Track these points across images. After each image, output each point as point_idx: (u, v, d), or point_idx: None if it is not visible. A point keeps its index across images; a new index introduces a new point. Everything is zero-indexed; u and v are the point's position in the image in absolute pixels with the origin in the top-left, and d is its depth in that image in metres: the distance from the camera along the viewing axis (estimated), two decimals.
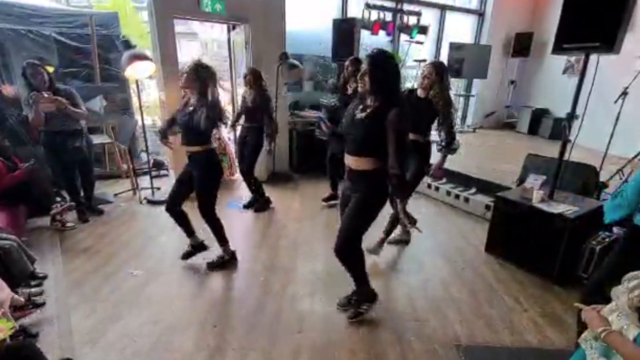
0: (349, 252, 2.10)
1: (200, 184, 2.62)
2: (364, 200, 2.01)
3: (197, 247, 2.87)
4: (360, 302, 2.26)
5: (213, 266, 2.80)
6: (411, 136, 2.77)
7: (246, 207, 4.02)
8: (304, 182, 4.92)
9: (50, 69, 3.39)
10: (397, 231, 3.17)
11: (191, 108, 2.47)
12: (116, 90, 4.58)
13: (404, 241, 3.23)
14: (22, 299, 2.07)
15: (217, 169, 2.69)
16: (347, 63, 3.55)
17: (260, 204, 3.98)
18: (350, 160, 2.01)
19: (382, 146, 1.85)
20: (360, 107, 1.96)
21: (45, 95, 3.04)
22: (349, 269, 2.20)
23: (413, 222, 2.03)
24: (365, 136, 1.91)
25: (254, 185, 3.96)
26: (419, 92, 2.74)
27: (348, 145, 2.01)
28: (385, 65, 1.88)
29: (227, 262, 2.84)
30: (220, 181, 2.72)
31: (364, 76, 1.89)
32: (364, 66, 1.90)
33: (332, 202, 4.03)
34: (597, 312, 1.29)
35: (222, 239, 2.81)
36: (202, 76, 2.41)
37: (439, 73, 2.63)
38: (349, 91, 3.50)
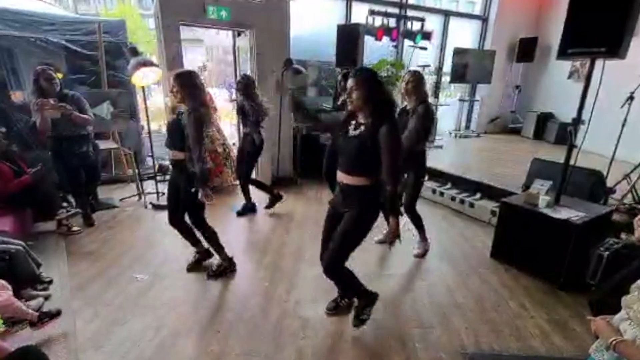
0: (339, 270, 2.06)
1: (186, 193, 2.53)
2: (358, 217, 1.96)
3: (203, 254, 2.88)
4: (362, 308, 2.21)
5: (214, 275, 2.74)
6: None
7: (240, 214, 3.94)
8: (308, 186, 4.93)
9: (60, 76, 3.45)
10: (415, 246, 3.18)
11: (179, 113, 2.47)
12: (123, 96, 4.62)
13: (424, 253, 3.18)
14: (36, 314, 2.06)
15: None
16: (340, 77, 3.65)
17: (270, 201, 4.00)
18: (342, 177, 1.97)
19: (375, 163, 1.83)
20: (353, 124, 1.93)
21: (51, 102, 3.10)
22: (342, 285, 2.20)
23: (393, 241, 1.97)
24: (359, 153, 1.87)
25: (259, 187, 3.98)
26: (408, 106, 2.84)
27: (341, 162, 1.98)
28: (371, 81, 1.85)
29: (226, 269, 2.79)
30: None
31: (351, 93, 1.85)
32: (350, 84, 1.86)
33: None
34: (607, 322, 1.27)
35: (218, 247, 2.78)
36: (183, 84, 2.39)
37: (419, 79, 2.80)
38: (339, 102, 3.62)
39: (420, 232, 3.14)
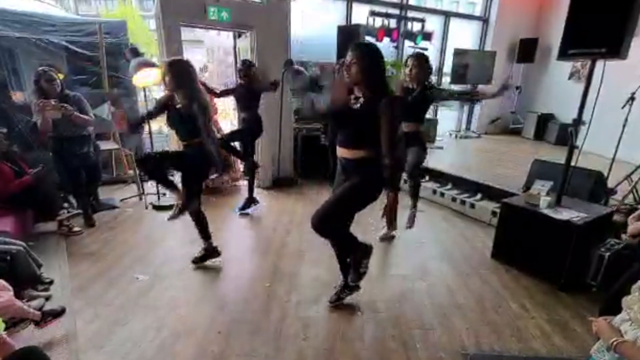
0: (328, 230, 2.04)
1: (190, 173, 2.62)
2: (355, 185, 1.96)
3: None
4: (359, 261, 2.17)
5: (200, 260, 2.86)
6: (410, 126, 2.88)
7: (242, 209, 4.00)
8: (308, 187, 4.93)
9: (61, 77, 3.46)
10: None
11: (179, 105, 2.49)
12: (124, 97, 4.63)
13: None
14: (39, 313, 2.06)
15: (209, 160, 2.61)
16: (337, 66, 3.72)
17: (248, 165, 4.07)
18: (344, 152, 1.97)
19: (374, 137, 1.83)
20: (352, 98, 1.93)
21: (52, 102, 3.10)
22: (333, 241, 2.18)
23: (392, 223, 1.99)
24: (360, 127, 1.88)
25: (234, 154, 4.06)
26: (411, 85, 2.93)
27: (342, 137, 1.97)
28: (372, 54, 1.85)
29: (209, 255, 2.88)
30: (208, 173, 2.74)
31: (350, 67, 1.84)
32: (349, 57, 1.85)
33: None
34: (608, 323, 1.27)
35: (207, 234, 2.84)
36: (176, 71, 2.41)
37: (423, 62, 2.93)
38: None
39: (413, 200, 3.17)
